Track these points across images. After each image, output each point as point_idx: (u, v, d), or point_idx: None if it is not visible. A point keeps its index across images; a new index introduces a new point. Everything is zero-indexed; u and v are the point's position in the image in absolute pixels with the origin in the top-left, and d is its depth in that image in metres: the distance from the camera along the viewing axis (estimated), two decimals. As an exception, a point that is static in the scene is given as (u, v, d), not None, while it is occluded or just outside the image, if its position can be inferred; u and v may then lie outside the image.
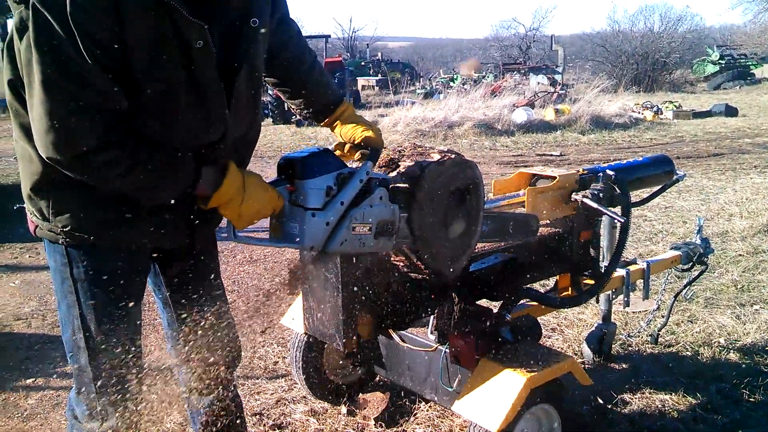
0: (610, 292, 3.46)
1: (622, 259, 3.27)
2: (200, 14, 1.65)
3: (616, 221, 2.97)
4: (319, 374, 3.20)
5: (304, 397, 3.31)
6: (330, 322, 2.30)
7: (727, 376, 3.44)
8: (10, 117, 1.80)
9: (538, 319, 2.98)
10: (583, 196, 2.87)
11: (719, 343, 3.87)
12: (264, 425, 3.09)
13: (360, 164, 2.00)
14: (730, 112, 17.78)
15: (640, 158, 3.49)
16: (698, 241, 3.73)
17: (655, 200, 3.95)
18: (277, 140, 14.70)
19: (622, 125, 15.46)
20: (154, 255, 2.04)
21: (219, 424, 2.35)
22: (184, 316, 2.13)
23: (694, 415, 3.11)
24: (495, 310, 2.68)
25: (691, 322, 4.17)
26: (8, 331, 4.30)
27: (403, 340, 2.92)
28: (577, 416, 3.04)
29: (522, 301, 2.90)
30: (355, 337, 2.30)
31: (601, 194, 2.87)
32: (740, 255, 5.51)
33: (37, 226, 1.85)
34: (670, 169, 3.50)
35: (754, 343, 3.86)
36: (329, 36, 26.98)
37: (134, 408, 1.99)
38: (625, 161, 3.39)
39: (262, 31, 1.89)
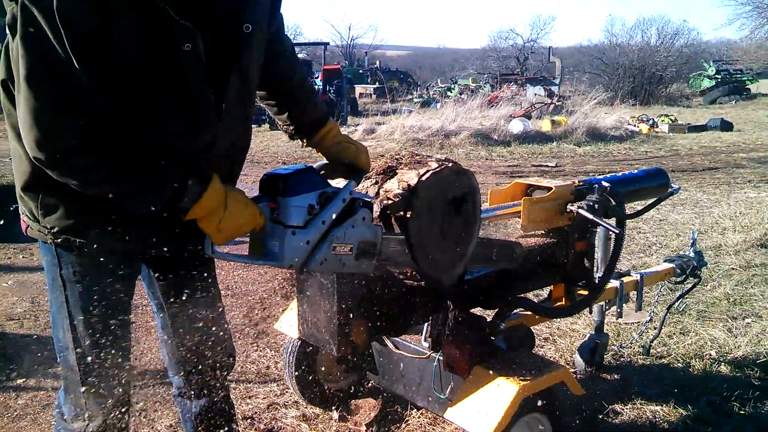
0: (603, 302, 3.48)
1: (616, 271, 3.29)
2: (190, 17, 1.63)
3: (611, 232, 2.98)
4: (312, 379, 3.21)
5: (296, 402, 3.31)
6: (324, 327, 2.31)
7: (718, 389, 3.45)
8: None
9: (532, 328, 2.99)
10: (579, 207, 2.88)
11: (711, 355, 3.89)
12: (255, 429, 3.09)
13: (344, 184, 1.97)
14: (726, 126, 17.88)
15: (636, 171, 3.51)
16: (692, 254, 3.75)
17: (650, 213, 3.98)
18: (274, 146, 14.70)
19: (617, 138, 15.52)
20: (147, 258, 2.03)
21: (211, 428, 2.34)
22: (178, 320, 2.13)
23: (684, 426, 3.12)
24: (489, 319, 2.69)
25: (683, 334, 4.18)
26: (0, 332, 4.28)
27: (396, 347, 2.93)
28: (569, 426, 3.04)
29: (516, 310, 2.91)
30: (348, 344, 2.30)
31: (596, 205, 2.88)
32: (733, 269, 5.53)
33: (28, 226, 1.85)
34: (665, 182, 3.51)
35: (745, 356, 3.87)
36: (328, 44, 27.07)
37: (121, 409, 1.98)
38: (620, 173, 3.41)
39: (257, 37, 1.87)
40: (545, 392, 2.51)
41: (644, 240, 6.57)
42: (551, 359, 3.58)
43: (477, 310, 2.80)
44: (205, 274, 2.16)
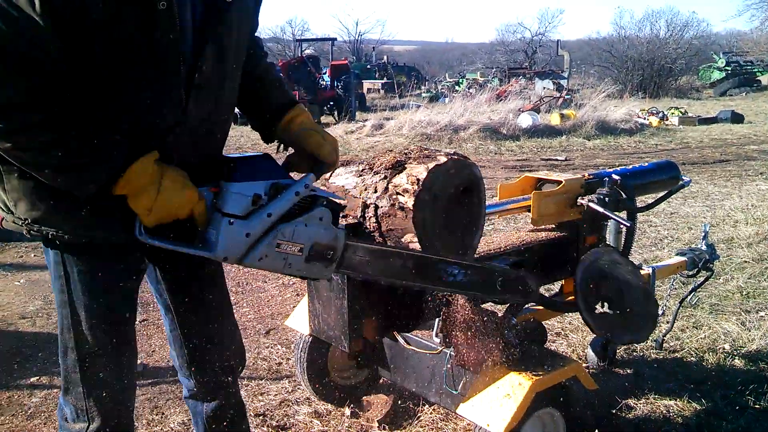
0: (615, 297, 3.46)
1: (628, 264, 3.27)
2: None
3: (621, 226, 2.97)
4: (324, 376, 3.20)
5: (308, 398, 3.31)
6: (336, 323, 2.31)
7: (732, 383, 3.43)
8: None
9: (544, 323, 2.98)
10: (589, 201, 2.87)
11: (724, 349, 3.86)
12: (267, 426, 3.09)
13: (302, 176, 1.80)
14: (736, 118, 17.77)
15: (646, 164, 3.49)
16: (704, 247, 3.73)
17: (661, 206, 3.95)
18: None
19: (627, 131, 15.45)
20: (152, 256, 1.96)
21: (222, 428, 2.33)
22: (186, 320, 2.10)
23: (698, 421, 3.10)
24: (500, 314, 2.68)
25: (696, 328, 4.16)
26: (13, 330, 4.31)
27: (407, 343, 2.92)
28: (582, 421, 3.03)
29: (527, 305, 2.90)
30: (360, 339, 2.30)
31: (606, 199, 2.87)
32: (746, 261, 5.50)
33: (2, 219, 1.73)
34: (675, 175, 3.49)
35: (759, 349, 3.85)
36: (335, 39, 27.03)
37: (124, 409, 1.94)
38: (630, 166, 3.39)
39: (238, 13, 1.76)
40: (558, 387, 2.50)
41: (655, 233, 6.54)
42: (563, 354, 3.57)
43: (489, 305, 2.79)
44: (212, 272, 2.12)
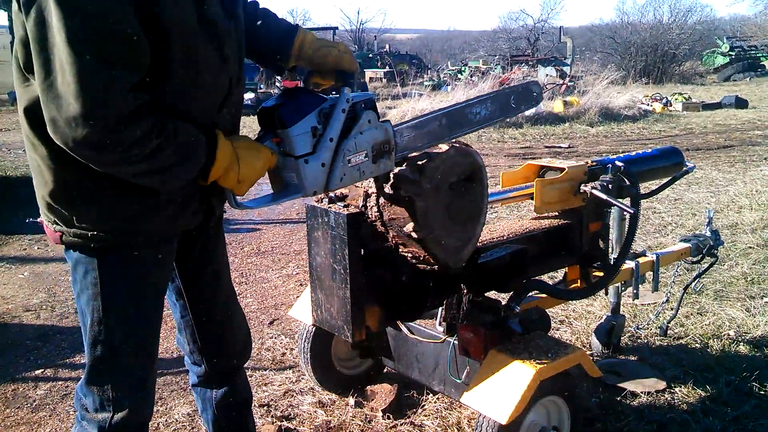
0: (619, 284, 3.45)
1: (632, 251, 3.26)
2: None
3: (625, 213, 2.95)
4: (327, 366, 3.21)
5: (312, 388, 3.31)
6: (338, 313, 2.30)
7: (737, 369, 3.42)
8: (17, 108, 1.75)
9: (547, 310, 2.97)
10: (592, 188, 2.85)
11: (729, 335, 3.85)
12: (272, 416, 3.09)
13: (339, 93, 1.91)
14: (740, 103, 17.66)
15: (650, 150, 3.47)
16: (708, 234, 3.71)
17: (665, 192, 3.93)
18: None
19: (631, 117, 15.39)
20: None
21: (232, 415, 2.34)
22: (196, 305, 2.12)
23: (703, 407, 3.10)
24: (504, 302, 2.67)
25: (701, 314, 4.15)
26: (17, 322, 4.32)
27: (411, 332, 2.92)
28: (586, 408, 3.03)
29: (531, 293, 2.89)
30: (363, 329, 2.30)
31: (610, 186, 2.85)
32: (750, 247, 5.48)
33: (62, 234, 1.77)
34: (679, 161, 3.47)
35: (764, 335, 3.84)
36: (336, 28, 26.96)
37: (147, 400, 1.97)
38: (634, 153, 3.38)
39: None
40: (562, 375, 2.49)
41: (659, 220, 6.52)
42: (567, 342, 3.57)
43: (492, 294, 2.78)
44: (220, 259, 2.16)
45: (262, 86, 22.15)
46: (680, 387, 3.26)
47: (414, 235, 2.17)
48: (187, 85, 1.68)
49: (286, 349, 3.82)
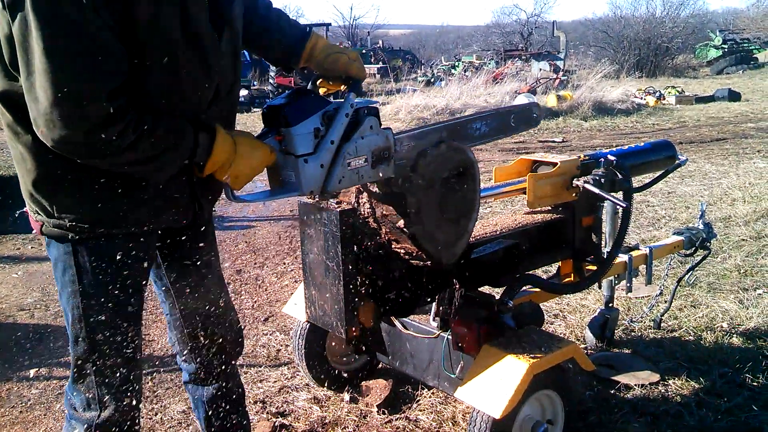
0: (612, 277, 3.46)
1: (625, 245, 3.27)
2: None
3: (618, 206, 2.96)
4: (322, 362, 3.21)
5: (307, 384, 3.32)
6: (332, 310, 2.30)
7: (730, 361, 3.44)
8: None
9: (541, 305, 2.97)
10: (585, 182, 2.86)
11: (722, 327, 3.87)
12: (267, 413, 3.10)
13: (343, 98, 1.97)
14: (733, 96, 17.70)
15: (642, 144, 3.48)
16: (701, 226, 3.72)
17: (658, 185, 3.94)
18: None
19: (624, 111, 15.40)
20: (158, 244, 2.02)
21: (223, 413, 2.35)
22: (185, 304, 2.12)
23: (697, 399, 3.11)
24: (497, 297, 2.68)
25: (694, 307, 4.16)
26: (11, 322, 4.31)
27: (405, 327, 2.92)
28: (580, 401, 3.04)
29: (524, 288, 2.90)
30: (357, 325, 2.30)
31: (602, 179, 2.86)
32: (743, 240, 5.50)
33: (42, 224, 1.80)
34: (671, 154, 3.48)
35: (757, 327, 3.85)
36: (330, 24, 26.92)
37: (133, 396, 1.98)
38: (626, 147, 3.38)
39: None
40: (556, 369, 2.50)
41: (653, 213, 6.54)
42: (561, 335, 3.58)
43: (485, 288, 2.79)
44: (210, 257, 2.16)
45: (255, 83, 22.13)
46: (674, 379, 3.27)
47: (406, 231, 2.17)
48: (167, 90, 1.70)
49: (281, 346, 3.82)
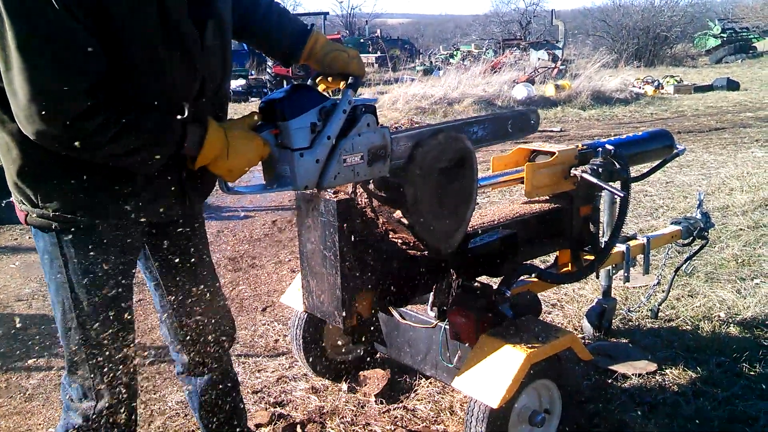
0: (610, 267, 3.46)
1: (622, 234, 3.27)
2: None
3: (615, 196, 2.96)
4: (320, 352, 3.21)
5: (305, 374, 3.32)
6: (329, 300, 2.30)
7: (728, 350, 3.44)
8: None
9: (538, 294, 2.98)
10: (582, 171, 2.86)
11: (719, 317, 3.88)
12: (265, 403, 3.10)
13: (342, 94, 1.97)
14: (732, 86, 17.68)
15: (640, 133, 3.47)
16: (699, 216, 3.72)
17: (656, 175, 3.94)
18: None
19: (623, 100, 15.38)
20: (145, 234, 2.01)
21: (217, 403, 2.35)
22: (175, 296, 2.12)
23: (693, 388, 3.12)
24: (495, 286, 2.68)
25: (692, 296, 4.17)
26: (9, 312, 4.31)
27: (402, 317, 2.93)
28: (578, 391, 3.05)
29: (522, 277, 2.90)
30: (354, 315, 2.30)
31: (600, 169, 2.86)
32: (741, 229, 5.50)
33: (27, 215, 1.80)
34: (669, 144, 3.48)
35: (755, 316, 3.86)
36: (327, 13, 26.82)
37: (129, 386, 1.98)
38: (624, 136, 3.38)
39: None
40: (553, 359, 2.50)
41: (651, 203, 6.54)
42: (559, 325, 3.58)
43: (483, 278, 2.79)
44: (199, 248, 2.16)
45: (252, 73, 22.07)
46: (671, 369, 3.28)
47: (404, 221, 2.17)
48: (149, 85, 1.69)
49: (279, 336, 3.83)
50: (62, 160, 1.68)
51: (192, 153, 1.74)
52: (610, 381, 3.19)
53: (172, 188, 1.88)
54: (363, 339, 3.18)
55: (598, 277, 3.60)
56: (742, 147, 9.55)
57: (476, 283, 2.71)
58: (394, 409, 3.01)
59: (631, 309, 3.95)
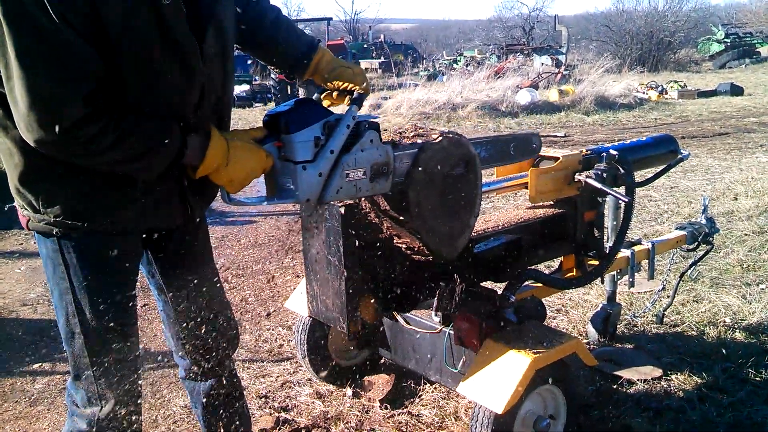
0: (615, 272, 3.45)
1: (627, 240, 3.26)
2: None
3: (620, 201, 2.95)
4: (324, 357, 3.21)
5: (310, 379, 3.32)
6: (333, 305, 2.30)
7: (733, 356, 3.43)
8: None
9: (543, 300, 2.97)
10: (587, 176, 2.85)
11: (725, 322, 3.87)
12: (270, 408, 3.10)
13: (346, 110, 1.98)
14: (736, 91, 17.67)
15: (644, 138, 3.47)
16: (703, 221, 3.72)
17: (661, 180, 3.94)
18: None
19: (626, 105, 15.38)
20: (146, 239, 2.01)
21: (220, 408, 2.35)
22: (178, 301, 2.12)
23: (699, 394, 3.11)
24: (499, 292, 2.68)
25: (697, 301, 4.16)
26: (15, 317, 4.31)
27: (407, 322, 2.92)
28: (583, 396, 3.04)
29: (526, 282, 2.89)
30: (358, 320, 2.30)
31: (604, 174, 2.85)
32: (746, 234, 5.49)
33: (29, 220, 1.81)
34: (674, 149, 3.47)
35: (760, 322, 3.85)
36: (331, 19, 26.86)
37: (133, 390, 1.98)
38: (629, 141, 3.37)
39: None
40: (558, 364, 2.50)
41: (655, 208, 6.53)
42: (563, 330, 3.58)
43: (487, 283, 2.79)
44: (202, 253, 2.17)
45: (257, 78, 22.11)
46: (676, 374, 3.27)
47: (408, 225, 2.17)
48: (148, 93, 1.70)
49: (284, 341, 3.83)
50: (64, 167, 1.69)
51: (193, 162, 1.75)
52: (615, 386, 3.19)
53: (174, 196, 1.88)
54: (367, 344, 3.19)
55: (602, 282, 3.60)
56: (747, 152, 9.54)
57: (481, 289, 2.71)
58: (399, 415, 3.01)
59: (636, 314, 3.95)
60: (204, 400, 2.33)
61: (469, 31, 48.81)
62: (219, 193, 1.97)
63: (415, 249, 2.28)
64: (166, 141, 1.68)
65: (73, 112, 1.54)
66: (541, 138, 2.78)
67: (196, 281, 2.12)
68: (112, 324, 1.88)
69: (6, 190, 1.84)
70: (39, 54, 1.49)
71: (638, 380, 3.21)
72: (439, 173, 2.17)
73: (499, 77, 18.46)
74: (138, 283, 2.00)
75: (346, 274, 2.20)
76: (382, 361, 3.39)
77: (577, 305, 4.15)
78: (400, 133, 2.24)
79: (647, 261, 3.48)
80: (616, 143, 3.31)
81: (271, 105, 17.35)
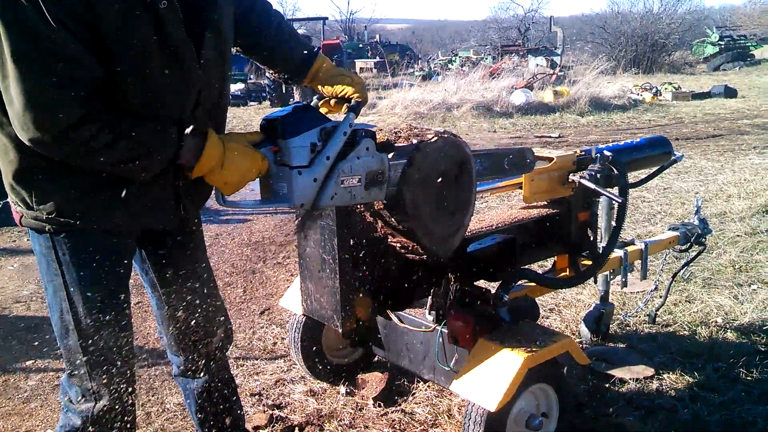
0: (608, 272, 3.47)
1: (620, 240, 3.28)
2: None
3: (613, 202, 2.97)
4: (318, 355, 3.22)
5: (303, 377, 3.33)
6: (328, 303, 2.31)
7: (724, 355, 3.45)
8: None
9: (536, 299, 2.99)
10: (581, 177, 2.87)
11: (717, 322, 3.89)
12: (263, 405, 3.11)
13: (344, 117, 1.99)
14: (730, 93, 17.72)
15: (638, 139, 3.49)
16: (696, 222, 3.73)
17: (654, 181, 3.95)
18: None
19: (620, 107, 15.41)
20: (140, 237, 2.02)
21: (214, 405, 2.36)
22: (172, 298, 2.13)
23: (691, 393, 3.13)
24: (493, 291, 2.69)
25: (689, 302, 4.18)
26: (7, 314, 4.31)
27: (401, 321, 2.93)
28: (575, 395, 3.06)
29: (520, 282, 2.91)
30: (352, 319, 2.31)
31: (598, 175, 2.87)
32: (738, 235, 5.51)
33: (22, 216, 1.82)
34: (667, 150, 3.49)
35: (752, 322, 3.87)
36: (326, 18, 26.82)
37: (127, 387, 1.99)
38: (622, 142, 3.39)
39: None
40: (550, 363, 2.51)
41: (648, 208, 6.55)
42: (556, 330, 3.59)
43: (481, 283, 2.80)
44: (196, 250, 2.17)
45: (251, 77, 22.08)
46: (668, 373, 3.29)
47: (403, 225, 2.18)
48: (144, 96, 1.71)
49: (277, 339, 3.83)
50: (58, 165, 1.70)
51: (189, 163, 1.75)
52: (607, 385, 3.20)
53: (167, 196, 1.89)
54: (361, 342, 3.20)
55: (595, 282, 3.61)
56: (740, 154, 9.58)
57: (474, 288, 2.72)
58: (392, 412, 3.02)
59: (629, 314, 3.97)
60: (197, 397, 2.34)
61: (464, 32, 48.83)
62: (213, 194, 1.97)
63: (410, 248, 2.29)
64: (161, 143, 1.69)
65: (68, 114, 1.55)
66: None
67: (189, 279, 2.13)
68: (105, 320, 1.89)
69: (0, 187, 1.85)
70: (35, 58, 1.51)
71: (630, 379, 3.23)
72: (435, 173, 2.17)
73: (494, 78, 18.48)
74: (132, 281, 2.00)
75: (340, 272, 2.21)
76: (376, 359, 3.40)
77: (570, 305, 4.16)
78: (396, 132, 2.25)
79: (640, 261, 3.50)
80: (610, 144, 3.33)
81: (266, 104, 17.32)
